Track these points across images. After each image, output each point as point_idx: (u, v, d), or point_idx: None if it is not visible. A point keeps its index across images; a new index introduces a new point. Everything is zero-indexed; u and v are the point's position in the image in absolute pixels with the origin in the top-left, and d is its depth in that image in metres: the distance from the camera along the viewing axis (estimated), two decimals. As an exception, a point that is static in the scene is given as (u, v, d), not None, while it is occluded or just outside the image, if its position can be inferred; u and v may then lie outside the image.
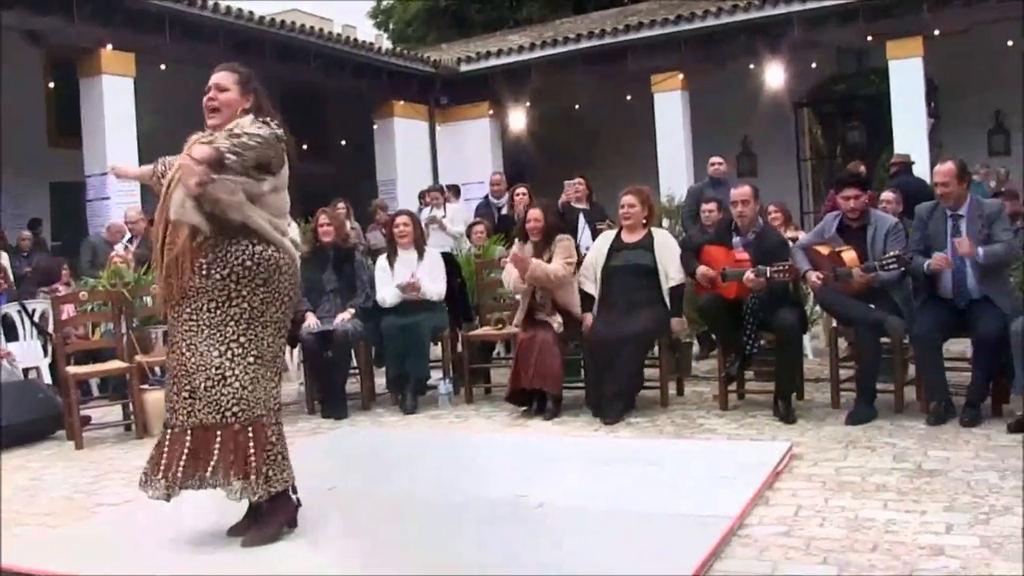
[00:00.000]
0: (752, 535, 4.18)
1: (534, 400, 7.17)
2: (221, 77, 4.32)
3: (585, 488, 5.06)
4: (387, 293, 7.83)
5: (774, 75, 16.03)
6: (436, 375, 8.05)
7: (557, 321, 7.17)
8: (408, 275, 7.76)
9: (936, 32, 14.54)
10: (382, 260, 8.08)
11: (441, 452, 6.32)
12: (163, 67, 13.61)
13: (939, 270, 6.14)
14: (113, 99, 12.31)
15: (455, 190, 14.06)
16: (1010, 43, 15.04)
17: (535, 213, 7.57)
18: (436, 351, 8.30)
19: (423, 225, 9.68)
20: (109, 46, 12.38)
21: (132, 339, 7.70)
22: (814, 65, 16.84)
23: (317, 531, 4.44)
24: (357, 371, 8.11)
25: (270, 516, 4.30)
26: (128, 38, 12.55)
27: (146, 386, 7.43)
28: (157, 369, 7.59)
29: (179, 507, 4.31)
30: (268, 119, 4.18)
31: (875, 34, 14.88)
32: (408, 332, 7.63)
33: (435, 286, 7.89)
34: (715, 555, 3.89)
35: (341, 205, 10.73)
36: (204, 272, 4.11)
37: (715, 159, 11.31)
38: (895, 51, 14.81)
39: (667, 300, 7.02)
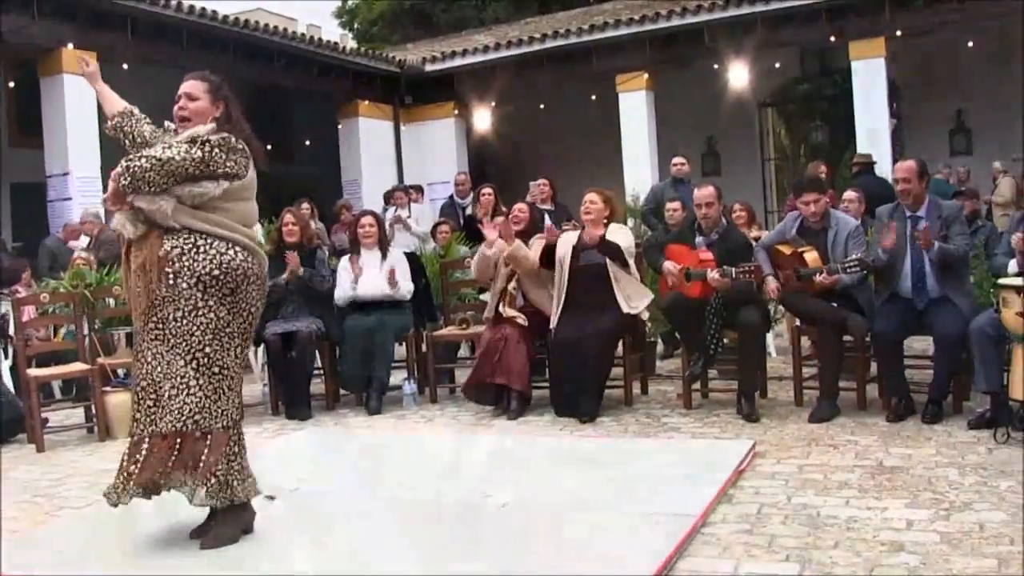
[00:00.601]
0: (715, 533, 4.20)
1: (502, 398, 7.18)
2: (191, 86, 4.31)
3: (549, 487, 5.07)
4: (341, 293, 7.85)
5: (738, 75, 16.09)
6: (401, 375, 8.03)
7: (522, 317, 7.19)
8: (374, 275, 7.77)
9: (898, 33, 14.66)
10: (344, 260, 8.06)
11: (405, 453, 6.32)
12: (125, 66, 13.49)
13: (891, 247, 6.18)
14: (75, 99, 12.16)
15: (419, 190, 14.02)
16: (971, 44, 15.19)
17: (522, 205, 7.67)
18: (400, 351, 8.28)
19: (388, 225, 9.65)
20: (70, 45, 12.22)
21: (94, 341, 7.64)
22: (778, 65, 16.94)
23: (280, 532, 4.43)
24: (321, 372, 8.09)
25: (229, 519, 4.28)
26: (90, 37, 12.41)
27: (108, 388, 7.36)
28: (120, 371, 7.54)
29: (141, 510, 4.29)
30: (214, 136, 4.15)
31: (838, 35, 14.97)
32: (372, 333, 7.61)
33: (405, 283, 7.90)
34: (678, 553, 3.91)
35: (305, 205, 10.69)
36: (171, 281, 4.08)
37: (677, 159, 11.38)
38: (858, 52, 14.89)
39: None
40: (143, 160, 4.01)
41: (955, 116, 17.27)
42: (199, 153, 4.07)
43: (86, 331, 7.63)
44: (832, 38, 15.09)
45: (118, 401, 7.15)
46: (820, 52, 17.23)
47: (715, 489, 4.72)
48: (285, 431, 7.18)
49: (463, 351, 9.27)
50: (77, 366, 7.41)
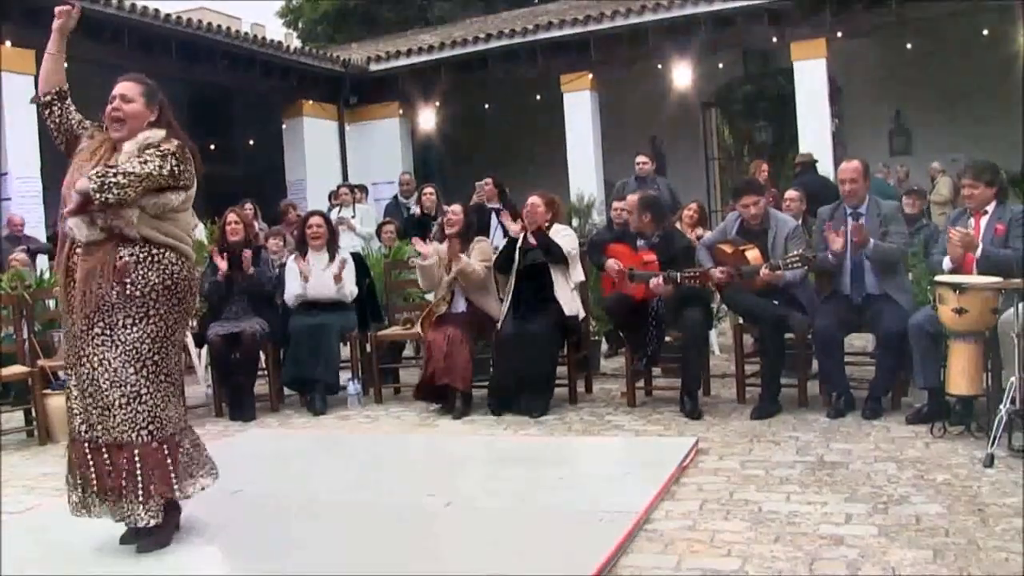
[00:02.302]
0: (658, 529, 4.23)
1: (446, 397, 7.18)
2: (126, 87, 4.25)
3: (493, 486, 5.08)
4: (292, 292, 7.77)
5: (682, 75, 16.20)
6: (345, 376, 8.00)
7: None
8: (321, 275, 7.74)
9: (839, 35, 14.83)
10: (291, 261, 8.01)
11: (349, 453, 6.31)
12: (65, 65, 13.30)
13: (837, 251, 6.25)
14: (13, 97, 11.99)
15: (364, 190, 13.98)
16: (909, 45, 15.41)
17: (456, 207, 7.65)
18: (345, 352, 8.25)
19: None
20: (8, 43, 12.06)
21: (34, 343, 7.53)
22: (721, 66, 17.07)
23: (223, 535, 4.40)
24: (265, 372, 8.04)
25: (167, 522, 4.24)
26: (28, 34, 12.19)
27: (49, 391, 7.25)
28: (61, 373, 7.43)
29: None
30: (172, 145, 4.13)
31: (780, 36, 15.12)
32: (317, 333, 7.58)
33: (349, 286, 7.88)
34: (621, 550, 3.93)
35: (248, 206, 10.62)
36: (126, 290, 4.05)
37: (640, 158, 11.51)
38: (799, 53, 15.05)
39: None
40: (121, 177, 3.93)
41: (894, 116, 17.51)
42: (168, 168, 4.06)
43: (25, 334, 7.51)
44: (774, 39, 15.24)
45: (59, 404, 7.02)
46: (763, 53, 17.38)
47: (658, 486, 4.75)
48: (229, 432, 7.12)
49: (408, 351, 9.26)
50: (17, 368, 7.29)
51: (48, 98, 4.36)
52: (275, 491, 5.23)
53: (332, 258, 7.92)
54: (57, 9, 4.38)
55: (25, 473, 6.15)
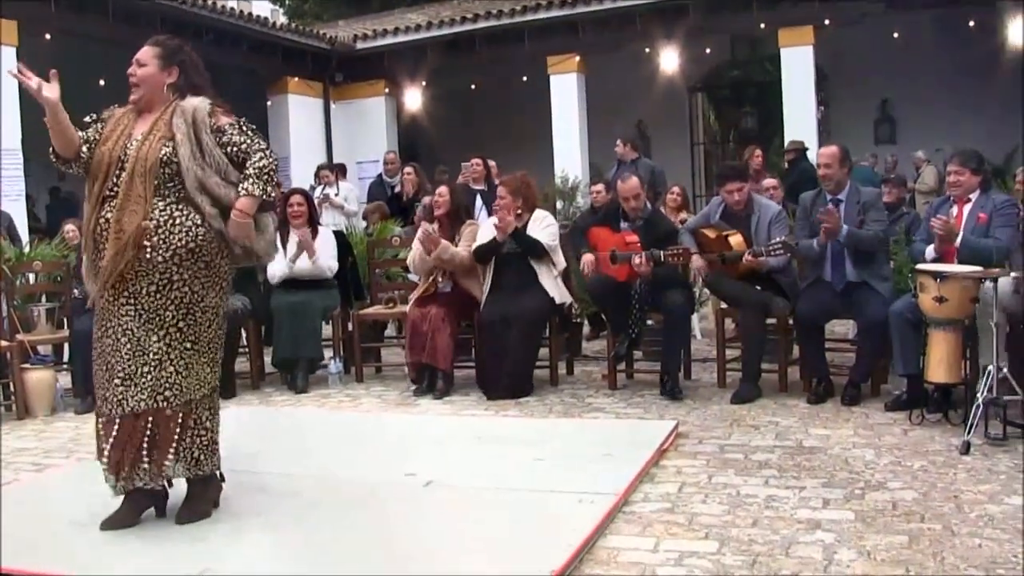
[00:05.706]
0: (637, 512, 4.25)
1: (427, 376, 7.19)
2: (142, 52, 4.29)
3: (473, 467, 5.09)
4: (277, 269, 7.71)
5: (669, 60, 16.16)
6: (327, 354, 7.99)
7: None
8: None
9: (826, 22, 14.82)
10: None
11: (330, 431, 6.30)
12: (48, 37, 13.20)
13: (829, 230, 6.22)
14: (-4, 69, 11.89)
15: (342, 169, 13.90)
16: (896, 35, 15.42)
17: (442, 189, 7.63)
18: (327, 330, 8.24)
19: (316, 203, 9.58)
20: (-10, 14, 11.95)
21: (13, 317, 7.49)
22: (708, 51, 17.03)
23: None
24: (246, 350, 8.02)
25: (201, 494, 4.29)
26: (12, 6, 12.12)
27: (27, 365, 7.22)
28: (40, 348, 7.40)
29: (59, 491, 4.22)
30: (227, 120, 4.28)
31: (768, 22, 15.10)
32: (299, 310, 7.55)
33: (327, 260, 7.84)
34: (600, 531, 3.95)
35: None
36: (147, 255, 4.03)
37: (618, 144, 11.72)
38: (787, 39, 15.03)
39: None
40: (269, 170, 4.21)
41: (880, 105, 17.53)
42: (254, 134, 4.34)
43: (4, 308, 7.47)
44: (762, 25, 15.22)
45: (37, 378, 7.03)
46: (750, 39, 17.36)
47: (637, 468, 4.77)
48: (209, 409, 7.09)
49: (390, 330, 9.25)
50: (-6, 342, 7.26)
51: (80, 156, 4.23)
52: (255, 468, 5.20)
53: (314, 235, 7.87)
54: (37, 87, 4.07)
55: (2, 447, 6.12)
